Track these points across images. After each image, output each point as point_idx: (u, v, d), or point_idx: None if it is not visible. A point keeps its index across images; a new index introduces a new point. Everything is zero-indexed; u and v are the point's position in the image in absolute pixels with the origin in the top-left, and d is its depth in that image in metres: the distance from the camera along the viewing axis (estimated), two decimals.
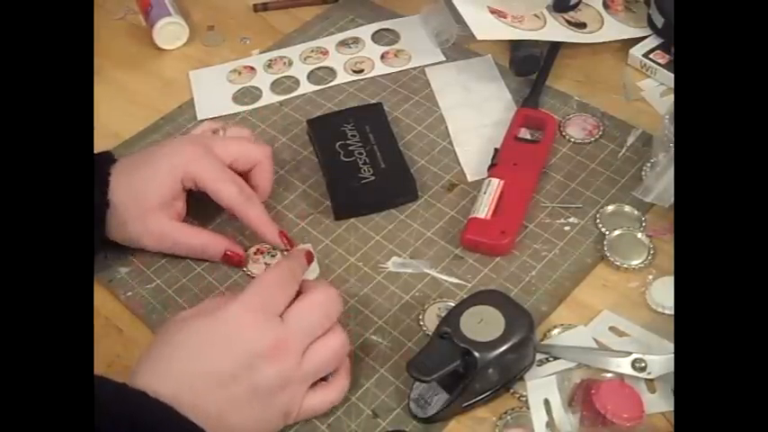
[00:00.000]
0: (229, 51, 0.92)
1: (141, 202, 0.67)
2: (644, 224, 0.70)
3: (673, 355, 0.58)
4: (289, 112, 0.84)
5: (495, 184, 0.71)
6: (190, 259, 0.70)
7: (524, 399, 0.60)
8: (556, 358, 0.61)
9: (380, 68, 0.87)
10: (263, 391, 0.55)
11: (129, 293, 0.69)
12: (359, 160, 0.75)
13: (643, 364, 0.59)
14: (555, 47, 0.85)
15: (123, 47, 0.93)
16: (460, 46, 0.88)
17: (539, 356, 0.61)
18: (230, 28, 0.95)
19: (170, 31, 0.92)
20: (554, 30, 0.85)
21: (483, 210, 0.70)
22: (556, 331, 0.63)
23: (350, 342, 0.59)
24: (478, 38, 0.81)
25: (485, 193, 0.71)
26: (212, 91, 0.87)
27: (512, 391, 0.60)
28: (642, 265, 0.67)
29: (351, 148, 0.76)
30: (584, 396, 0.58)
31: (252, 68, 0.89)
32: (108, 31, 0.95)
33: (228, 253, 0.69)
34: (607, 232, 0.69)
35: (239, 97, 0.86)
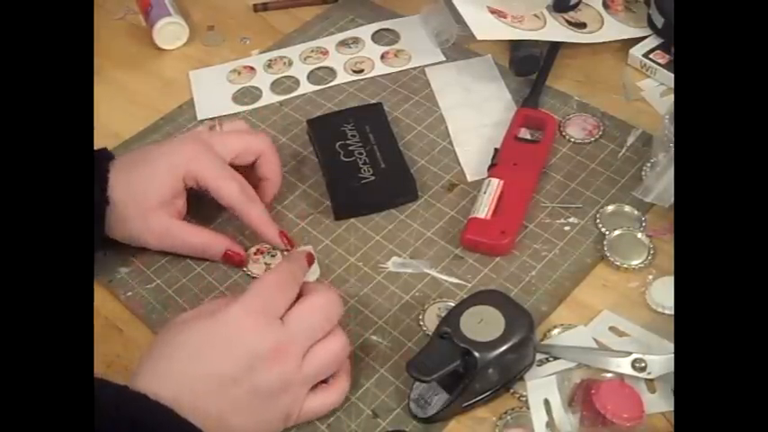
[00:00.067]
0: (229, 51, 0.92)
1: (142, 199, 0.67)
2: (644, 224, 0.70)
3: (673, 355, 0.58)
4: (289, 112, 0.84)
5: (495, 184, 0.71)
6: (190, 259, 0.70)
7: (524, 399, 0.60)
8: (556, 358, 0.61)
9: (380, 68, 0.87)
10: (264, 394, 0.55)
11: (129, 293, 0.69)
12: (359, 160, 0.75)
13: (643, 364, 0.59)
14: (555, 47, 0.85)
15: (123, 47, 0.93)
16: (460, 46, 0.88)
17: (539, 356, 0.61)
18: (230, 28, 0.95)
19: (170, 31, 0.92)
20: (554, 30, 0.85)
21: (483, 210, 0.70)
22: (556, 331, 0.63)
23: (350, 342, 0.59)
24: (478, 38, 0.81)
25: (485, 193, 0.71)
26: (212, 91, 0.87)
27: (512, 391, 0.60)
28: (642, 265, 0.67)
29: (351, 148, 0.76)
30: (584, 396, 0.58)
31: (252, 68, 0.89)
32: (108, 31, 0.95)
33: (229, 252, 0.69)
34: (607, 232, 0.69)
35: (239, 97, 0.86)
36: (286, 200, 0.75)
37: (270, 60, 0.89)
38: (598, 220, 0.70)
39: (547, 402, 0.59)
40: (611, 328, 0.63)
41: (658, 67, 0.82)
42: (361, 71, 0.87)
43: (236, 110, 0.84)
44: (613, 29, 0.86)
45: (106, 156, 0.69)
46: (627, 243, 0.68)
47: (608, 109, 0.80)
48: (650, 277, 0.66)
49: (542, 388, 0.60)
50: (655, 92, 0.82)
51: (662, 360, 0.59)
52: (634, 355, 0.60)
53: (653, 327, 0.63)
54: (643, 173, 0.73)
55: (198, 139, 0.70)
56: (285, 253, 0.70)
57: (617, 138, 0.77)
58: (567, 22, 0.86)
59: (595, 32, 0.86)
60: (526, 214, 0.71)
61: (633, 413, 0.57)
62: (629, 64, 0.85)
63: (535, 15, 0.86)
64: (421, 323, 0.65)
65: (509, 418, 0.59)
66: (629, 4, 0.88)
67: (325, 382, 0.58)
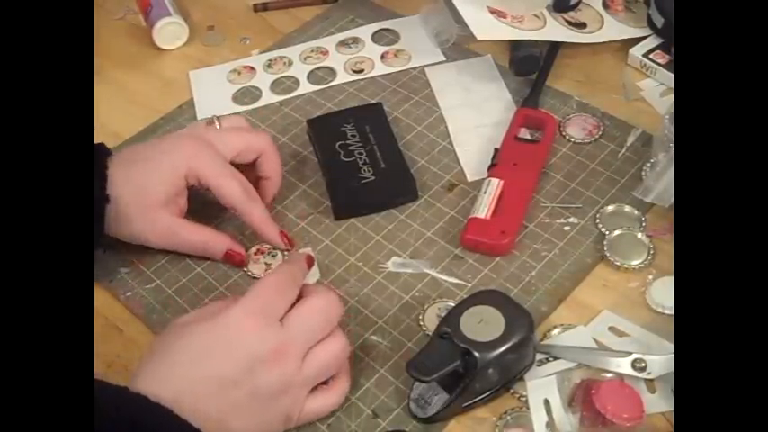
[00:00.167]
0: (229, 51, 0.92)
1: (143, 197, 0.67)
2: (644, 224, 0.70)
3: (673, 355, 0.58)
4: (289, 112, 0.84)
5: (495, 184, 0.71)
6: (190, 259, 0.70)
7: (524, 399, 0.60)
8: (556, 358, 0.61)
9: (380, 68, 0.87)
10: (264, 396, 0.55)
11: (129, 293, 0.69)
12: (359, 160, 0.75)
13: (643, 364, 0.59)
14: (555, 47, 0.85)
15: (123, 47, 0.93)
16: (460, 46, 0.88)
17: (539, 356, 0.61)
18: (230, 28, 0.95)
19: (170, 31, 0.92)
20: (554, 30, 0.85)
21: (483, 210, 0.70)
22: (556, 331, 0.63)
23: (350, 343, 0.59)
24: (478, 38, 0.81)
25: (485, 193, 0.71)
26: (212, 91, 0.87)
27: (512, 391, 0.60)
28: (642, 265, 0.67)
29: (351, 148, 0.76)
30: (584, 396, 0.58)
31: (252, 68, 0.89)
32: (108, 31, 0.95)
33: (230, 252, 0.69)
34: (607, 232, 0.69)
35: (239, 97, 0.86)
36: (286, 200, 0.75)
37: (270, 60, 0.89)
38: (598, 220, 0.70)
39: (547, 402, 0.59)
40: (611, 328, 0.63)
41: (658, 67, 0.82)
42: (361, 71, 0.87)
43: (236, 110, 0.84)
44: (613, 29, 0.86)
45: (104, 151, 0.68)
46: (627, 243, 0.68)
47: (608, 109, 0.80)
48: (650, 277, 0.66)
49: (542, 388, 0.60)
50: (655, 92, 0.82)
51: (662, 360, 0.59)
52: (634, 355, 0.60)
53: (653, 327, 0.63)
54: (643, 173, 0.73)
55: (198, 136, 0.70)
56: (285, 253, 0.70)
57: (617, 138, 0.77)
58: (567, 22, 0.87)
59: (595, 32, 0.86)
60: (526, 214, 0.71)
61: (633, 413, 0.57)
62: (629, 64, 0.85)
63: (535, 15, 0.86)
64: (421, 323, 0.65)
65: (509, 418, 0.59)
66: (629, 4, 0.88)
67: (325, 383, 0.58)
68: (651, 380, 0.59)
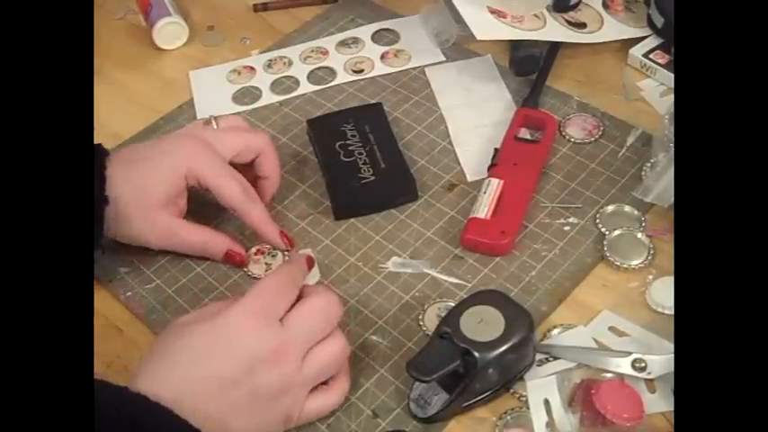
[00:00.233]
0: (229, 51, 0.92)
1: (143, 198, 0.66)
2: (644, 224, 0.70)
3: (673, 355, 0.58)
4: (289, 112, 0.84)
5: (495, 184, 0.71)
6: (190, 259, 0.70)
7: (524, 399, 0.60)
8: (556, 358, 0.61)
9: (380, 68, 0.87)
10: (264, 396, 0.55)
11: (129, 293, 0.69)
12: (359, 160, 0.75)
13: (643, 364, 0.59)
14: (555, 47, 0.85)
15: (123, 47, 0.93)
16: (460, 46, 0.88)
17: (539, 356, 0.61)
18: (230, 28, 0.95)
19: (170, 31, 0.92)
20: (554, 30, 0.85)
21: (483, 210, 0.70)
22: (556, 331, 0.63)
23: (350, 343, 0.59)
24: (478, 38, 0.81)
25: (485, 193, 0.71)
26: (212, 91, 0.87)
27: (512, 391, 0.60)
28: (642, 265, 0.67)
29: (351, 148, 0.76)
30: (584, 396, 0.58)
31: (252, 68, 0.89)
32: (108, 31, 0.95)
33: (230, 252, 0.69)
34: (607, 232, 0.69)
35: (239, 97, 0.86)
36: (286, 200, 0.75)
37: (270, 60, 0.89)
38: (598, 220, 0.70)
39: (547, 402, 0.59)
40: (611, 328, 0.63)
41: (658, 67, 0.82)
42: (361, 71, 0.87)
43: (236, 110, 0.84)
44: (613, 29, 0.86)
45: (101, 152, 0.67)
46: (627, 243, 0.68)
47: (608, 109, 0.80)
48: (650, 277, 0.66)
49: (542, 388, 0.60)
50: (655, 92, 0.82)
51: (662, 360, 0.59)
52: (634, 355, 0.60)
53: (653, 327, 0.63)
54: (643, 173, 0.73)
55: (197, 136, 0.69)
56: (286, 253, 0.70)
57: (617, 138, 0.77)
58: (567, 22, 0.86)
59: (595, 32, 0.86)
60: (526, 214, 0.71)
61: (633, 413, 0.57)
62: (629, 64, 0.85)
63: (535, 15, 0.86)
64: (421, 323, 0.65)
65: (509, 418, 0.59)
66: (629, 4, 0.88)
67: (324, 383, 0.58)
68: (651, 380, 0.59)
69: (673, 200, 0.68)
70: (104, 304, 0.69)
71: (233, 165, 0.69)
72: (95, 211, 0.65)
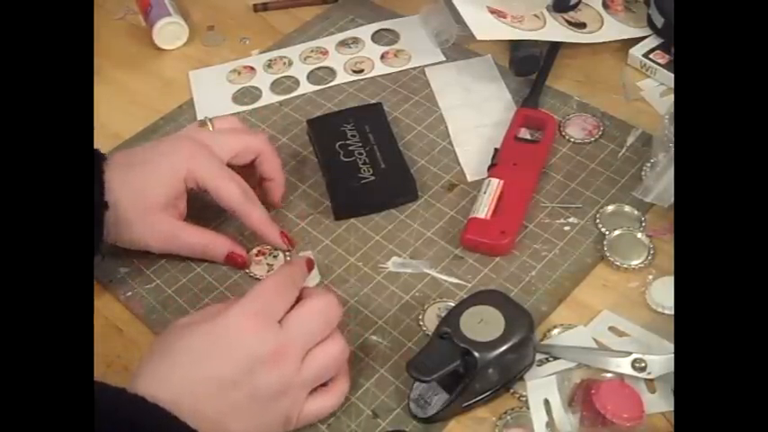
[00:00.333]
0: (229, 51, 0.92)
1: (143, 202, 0.66)
2: (644, 224, 0.70)
3: (673, 355, 0.58)
4: (289, 112, 0.84)
5: (495, 184, 0.71)
6: (190, 259, 0.70)
7: (524, 399, 0.60)
8: (556, 358, 0.61)
9: (380, 68, 0.87)
10: (264, 397, 0.54)
11: (129, 293, 0.69)
12: (359, 160, 0.75)
13: (643, 364, 0.59)
14: (555, 47, 0.85)
15: (123, 47, 0.93)
16: (460, 46, 0.88)
17: (539, 356, 0.61)
18: (230, 28, 0.95)
19: (170, 31, 0.92)
20: (554, 30, 0.85)
21: (483, 210, 0.70)
22: (556, 331, 0.63)
23: (350, 343, 0.59)
24: (478, 38, 0.81)
25: (485, 193, 0.71)
26: (212, 91, 0.87)
27: (512, 391, 0.60)
28: (642, 265, 0.67)
29: (351, 148, 0.76)
30: (584, 396, 0.58)
31: (252, 68, 0.89)
32: (108, 31, 0.95)
33: (232, 254, 0.69)
34: (607, 232, 0.69)
35: (239, 97, 0.86)
36: (286, 200, 0.75)
37: (270, 60, 0.89)
38: (598, 220, 0.70)
39: (547, 402, 0.59)
40: (611, 328, 0.63)
41: (658, 67, 0.82)
42: (361, 71, 0.87)
43: (236, 110, 0.84)
44: (613, 29, 0.86)
45: (98, 156, 0.67)
46: (627, 243, 0.68)
47: (608, 109, 0.80)
48: (650, 277, 0.66)
49: (542, 388, 0.60)
50: (655, 92, 0.82)
51: (662, 360, 0.59)
52: (634, 355, 0.60)
53: (653, 327, 0.63)
54: (643, 173, 0.73)
55: (194, 138, 0.69)
56: (287, 254, 0.70)
57: (617, 138, 0.77)
58: (567, 22, 0.86)
59: (595, 32, 0.86)
60: (526, 214, 0.71)
61: (633, 413, 0.57)
62: (628, 64, 0.85)
63: (535, 15, 0.86)
64: (421, 323, 0.65)
65: (509, 418, 0.59)
66: (629, 4, 0.88)
67: (324, 385, 0.58)
68: (651, 380, 0.59)
69: (673, 200, 0.68)
70: (104, 304, 0.69)
71: (235, 168, 0.69)
72: (95, 217, 0.65)
